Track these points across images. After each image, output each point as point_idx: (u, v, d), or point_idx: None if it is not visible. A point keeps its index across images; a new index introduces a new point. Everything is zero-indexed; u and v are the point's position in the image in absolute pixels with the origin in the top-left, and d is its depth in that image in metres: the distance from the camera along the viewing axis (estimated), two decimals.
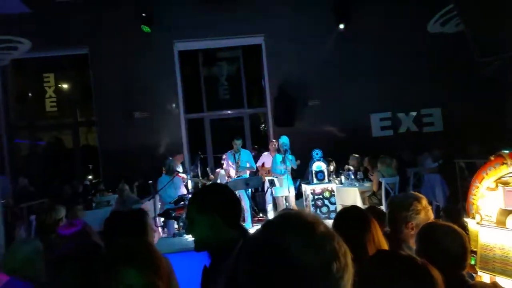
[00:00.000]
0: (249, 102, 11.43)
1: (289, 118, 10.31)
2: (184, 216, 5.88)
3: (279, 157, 8.01)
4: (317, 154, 8.09)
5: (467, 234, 2.39)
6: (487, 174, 2.54)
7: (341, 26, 10.40)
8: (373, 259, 1.47)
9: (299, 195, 8.40)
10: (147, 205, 7.90)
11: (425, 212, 2.49)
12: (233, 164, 8.40)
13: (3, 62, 9.26)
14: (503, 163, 2.47)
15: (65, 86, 11.80)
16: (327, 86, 10.41)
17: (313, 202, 7.83)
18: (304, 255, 0.90)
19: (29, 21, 9.68)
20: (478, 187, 2.58)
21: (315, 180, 8.01)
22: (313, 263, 0.90)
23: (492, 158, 2.54)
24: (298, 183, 8.55)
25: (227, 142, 8.90)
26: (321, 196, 7.87)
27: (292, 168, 7.97)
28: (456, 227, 2.14)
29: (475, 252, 2.46)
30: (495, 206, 2.48)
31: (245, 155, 8.48)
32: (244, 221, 8.01)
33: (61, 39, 10.04)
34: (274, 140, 8.85)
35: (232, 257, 1.74)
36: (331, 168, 8.63)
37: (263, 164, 8.78)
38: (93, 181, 10.24)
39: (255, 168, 8.69)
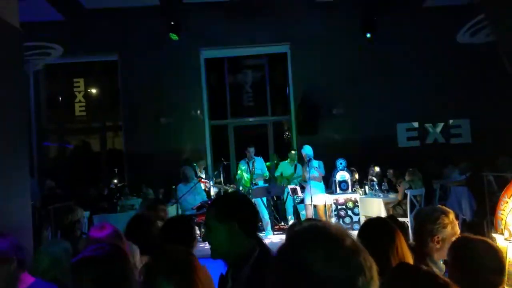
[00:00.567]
0: (273, 110, 11.44)
1: (313, 126, 10.26)
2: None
3: (299, 166, 8.00)
4: (341, 163, 8.03)
5: None
6: None
7: (368, 35, 10.31)
8: (394, 272, 1.45)
9: None
10: (170, 210, 7.99)
11: (452, 227, 2.45)
12: (246, 172, 8.42)
13: (36, 67, 9.55)
14: None
15: (94, 91, 12.07)
16: (352, 95, 10.34)
17: (335, 212, 7.76)
18: (330, 269, 0.90)
19: (62, 28, 9.99)
20: (507, 202, 2.52)
21: (338, 190, 7.94)
22: (338, 277, 0.89)
23: None
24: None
25: None
26: (344, 207, 7.79)
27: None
28: (492, 242, 2.09)
29: None
30: None
31: (259, 163, 8.51)
32: (263, 229, 8.02)
33: (92, 45, 10.31)
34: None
35: (248, 266, 1.74)
36: (355, 178, 8.55)
37: (281, 173, 8.78)
38: (118, 185, 10.40)
39: (268, 175, 8.69)
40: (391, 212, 7.39)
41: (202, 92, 10.76)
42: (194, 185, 7.44)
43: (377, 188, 8.00)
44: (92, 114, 11.87)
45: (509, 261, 2.36)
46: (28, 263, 2.32)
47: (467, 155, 8.97)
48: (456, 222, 2.50)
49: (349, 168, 8.15)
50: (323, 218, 7.71)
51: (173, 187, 8.72)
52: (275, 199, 9.26)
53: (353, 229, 7.13)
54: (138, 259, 2.48)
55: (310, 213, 7.63)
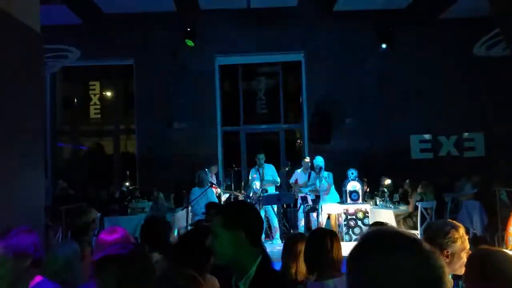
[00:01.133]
0: (285, 118, 11.46)
1: (325, 135, 10.26)
2: None
3: (312, 174, 8.02)
4: (352, 173, 8.01)
5: None
6: None
7: (383, 45, 10.30)
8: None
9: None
10: (180, 215, 8.04)
11: (462, 241, 2.43)
12: (257, 178, 8.43)
13: (53, 69, 9.69)
14: None
15: (109, 94, 12.22)
16: (365, 105, 10.33)
17: (345, 222, 7.73)
18: (422, 272, 0.92)
19: (80, 32, 10.15)
20: None
21: (349, 200, 7.92)
22: (430, 278, 0.92)
23: None
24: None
25: None
26: (354, 217, 7.76)
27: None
28: (509, 253, 2.07)
29: None
30: None
31: (269, 169, 8.52)
32: (272, 236, 8.04)
33: (108, 49, 10.46)
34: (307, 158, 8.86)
35: (252, 273, 1.77)
36: (366, 188, 8.51)
37: (296, 180, 8.78)
38: (130, 188, 10.48)
39: (279, 182, 8.69)
40: (401, 224, 7.35)
41: (215, 98, 10.84)
42: (205, 190, 7.49)
43: (388, 199, 7.96)
44: (107, 117, 12.00)
45: None
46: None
47: (480, 169, 8.90)
48: (466, 237, 2.49)
49: (360, 178, 8.13)
50: (335, 228, 7.70)
51: (184, 191, 8.79)
52: (285, 206, 9.26)
53: None
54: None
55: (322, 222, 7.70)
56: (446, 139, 10.63)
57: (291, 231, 8.79)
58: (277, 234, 8.10)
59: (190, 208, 7.48)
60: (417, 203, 7.22)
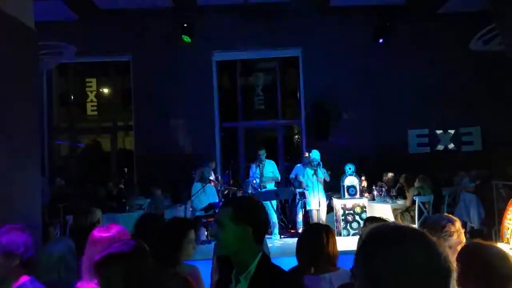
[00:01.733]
0: (283, 113, 11.46)
1: (323, 130, 10.25)
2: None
3: (310, 171, 8.01)
4: (349, 168, 8.02)
5: None
6: None
7: (380, 40, 10.28)
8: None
9: (330, 209, 8.32)
10: (178, 211, 8.04)
11: (458, 235, 2.44)
12: (257, 174, 8.42)
13: (49, 66, 9.64)
14: None
15: (106, 91, 12.18)
16: (363, 100, 10.32)
17: (343, 217, 7.74)
18: (432, 264, 0.94)
19: (76, 28, 10.09)
20: None
21: (346, 195, 7.93)
22: (440, 269, 0.95)
23: None
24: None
25: None
26: (352, 212, 7.77)
27: (325, 181, 7.95)
28: (501, 248, 2.07)
29: None
30: None
31: (270, 166, 8.50)
32: (271, 232, 8.04)
33: (105, 46, 10.42)
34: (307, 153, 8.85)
35: (253, 268, 1.78)
36: (364, 183, 8.52)
37: (296, 176, 8.77)
38: (128, 185, 10.46)
39: (279, 178, 8.67)
40: (399, 218, 7.36)
41: (213, 94, 10.82)
42: (202, 186, 7.50)
43: (385, 193, 7.97)
44: (104, 114, 11.98)
45: None
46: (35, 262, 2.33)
47: (477, 163, 8.91)
48: (462, 231, 2.49)
49: (358, 173, 8.13)
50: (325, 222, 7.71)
51: (181, 187, 8.78)
52: (283, 202, 9.26)
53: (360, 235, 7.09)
54: None
55: (315, 218, 7.73)
56: (444, 134, 10.64)
57: (289, 226, 8.82)
58: (275, 230, 8.10)
59: (190, 203, 7.49)
60: (414, 198, 7.23)
